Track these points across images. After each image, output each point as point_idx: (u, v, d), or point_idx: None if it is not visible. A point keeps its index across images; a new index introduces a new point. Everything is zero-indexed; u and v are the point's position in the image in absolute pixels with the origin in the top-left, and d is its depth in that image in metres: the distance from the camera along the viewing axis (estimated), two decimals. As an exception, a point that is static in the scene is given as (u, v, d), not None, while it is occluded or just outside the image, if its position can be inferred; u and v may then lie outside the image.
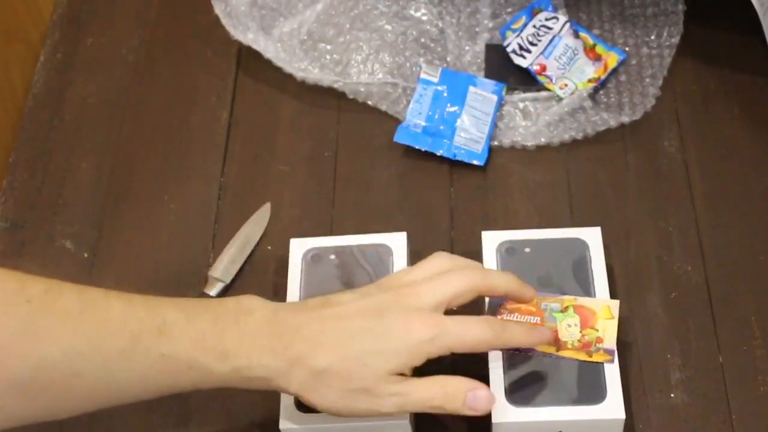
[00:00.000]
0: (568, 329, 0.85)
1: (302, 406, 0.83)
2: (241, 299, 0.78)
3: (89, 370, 0.72)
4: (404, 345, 0.77)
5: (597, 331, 0.85)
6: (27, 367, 0.71)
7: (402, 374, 0.77)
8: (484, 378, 0.87)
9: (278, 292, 0.94)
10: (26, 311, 0.72)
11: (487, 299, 0.87)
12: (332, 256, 0.91)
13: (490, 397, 0.79)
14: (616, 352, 0.84)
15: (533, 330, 0.83)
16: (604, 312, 0.86)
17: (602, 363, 0.83)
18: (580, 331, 0.85)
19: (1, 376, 0.70)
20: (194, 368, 0.74)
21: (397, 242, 0.91)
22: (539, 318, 0.86)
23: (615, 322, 0.85)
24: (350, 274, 0.90)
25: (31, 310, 0.72)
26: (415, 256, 0.94)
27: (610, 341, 0.84)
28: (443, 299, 0.79)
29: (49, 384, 0.72)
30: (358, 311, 0.78)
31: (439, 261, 0.83)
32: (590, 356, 0.84)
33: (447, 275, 0.81)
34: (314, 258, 0.91)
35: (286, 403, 0.83)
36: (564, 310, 0.86)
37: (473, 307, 0.92)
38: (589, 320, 0.85)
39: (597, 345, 0.84)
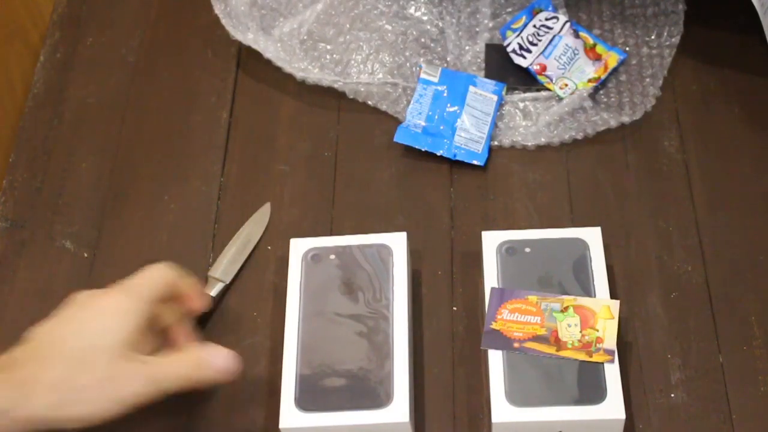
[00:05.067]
0: (569, 329, 0.85)
1: (303, 406, 0.83)
2: None
3: None
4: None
5: (597, 331, 0.85)
6: None
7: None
8: (484, 378, 0.87)
9: (278, 293, 0.94)
10: None
11: (487, 299, 0.88)
12: (332, 256, 0.91)
13: (227, 353, 0.82)
14: (616, 352, 0.84)
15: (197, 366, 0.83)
16: (604, 312, 0.86)
17: (602, 363, 0.83)
18: (580, 331, 0.85)
19: None
20: None
21: (397, 242, 0.91)
22: (539, 318, 0.86)
23: (615, 322, 0.85)
24: (350, 274, 0.90)
25: None
26: (416, 256, 0.95)
27: (610, 341, 0.84)
28: None
29: None
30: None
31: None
32: (590, 356, 0.84)
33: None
34: (314, 258, 0.91)
35: (287, 402, 0.84)
36: (564, 310, 0.86)
37: (474, 307, 0.92)
38: (589, 320, 0.85)
39: (597, 345, 0.84)
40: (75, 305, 0.81)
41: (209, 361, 0.82)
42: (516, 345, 0.85)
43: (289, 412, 0.83)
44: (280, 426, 0.83)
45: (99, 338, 0.79)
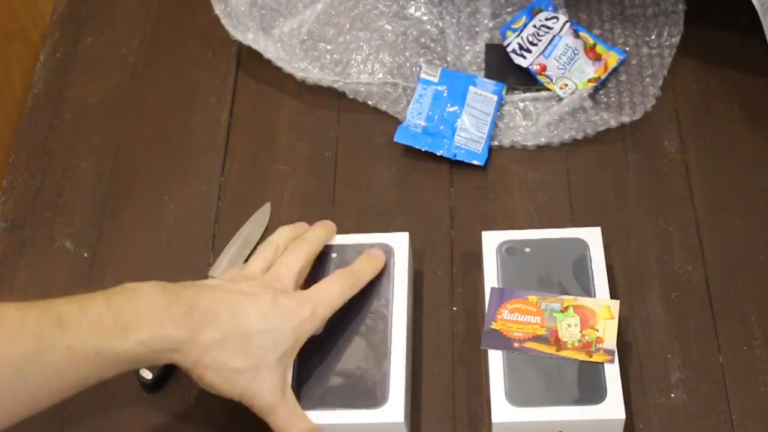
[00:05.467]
0: (569, 329, 0.85)
1: (300, 404, 0.83)
2: (124, 284, 0.79)
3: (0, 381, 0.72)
4: (290, 327, 0.81)
5: (597, 331, 0.85)
6: None
7: (289, 362, 0.82)
8: (484, 378, 0.87)
9: (278, 292, 0.94)
10: None
11: (487, 299, 0.88)
12: (334, 255, 0.91)
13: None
14: (616, 352, 0.84)
15: (373, 259, 0.89)
16: (604, 312, 0.86)
17: (602, 363, 0.83)
18: (581, 331, 0.85)
19: None
20: (101, 353, 0.74)
21: (399, 242, 0.91)
22: (539, 318, 0.86)
23: (615, 322, 0.85)
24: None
25: None
26: (416, 256, 0.95)
27: (610, 341, 0.84)
28: (299, 271, 0.86)
29: None
30: (245, 291, 0.82)
31: (281, 236, 0.89)
32: (590, 356, 0.84)
33: (293, 248, 0.88)
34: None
35: None
36: (564, 310, 0.86)
37: (474, 307, 0.92)
38: (589, 320, 0.85)
39: (597, 345, 0.84)
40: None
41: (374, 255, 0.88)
42: (516, 345, 0.85)
43: None
44: None
45: (274, 335, 0.81)
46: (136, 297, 0.77)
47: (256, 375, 0.80)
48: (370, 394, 0.84)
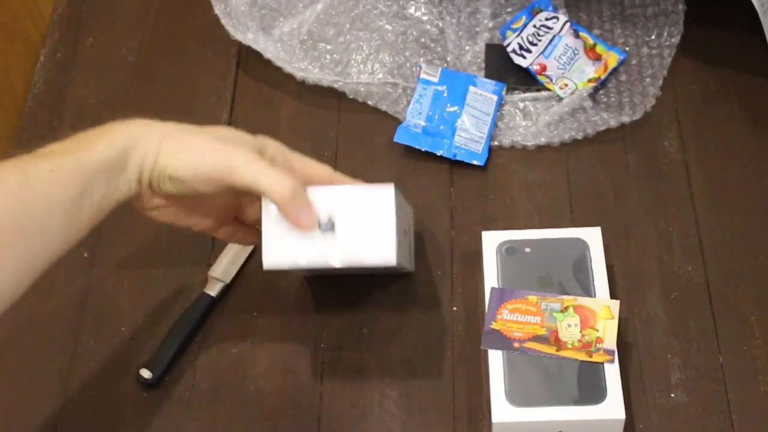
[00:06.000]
0: (569, 329, 0.85)
1: None
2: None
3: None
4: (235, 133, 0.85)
5: (597, 331, 0.85)
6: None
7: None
8: (484, 378, 0.87)
9: (279, 292, 0.94)
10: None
11: (487, 299, 0.87)
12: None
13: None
14: (616, 352, 0.84)
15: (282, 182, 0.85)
16: (604, 312, 0.86)
17: (602, 363, 0.83)
18: (581, 331, 0.85)
19: None
20: (81, 164, 0.78)
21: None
22: (539, 318, 0.86)
23: (615, 322, 0.85)
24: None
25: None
26: (417, 256, 0.95)
27: (610, 341, 0.84)
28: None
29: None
30: None
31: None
32: (590, 356, 0.84)
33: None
34: None
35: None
36: (564, 310, 0.86)
37: (474, 307, 0.92)
38: (589, 320, 0.85)
39: (597, 345, 0.84)
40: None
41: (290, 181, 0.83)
42: (516, 345, 0.85)
43: None
44: None
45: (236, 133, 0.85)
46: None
47: (225, 145, 0.82)
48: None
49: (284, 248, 0.82)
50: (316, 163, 0.89)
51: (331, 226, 0.82)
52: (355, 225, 0.83)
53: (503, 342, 0.85)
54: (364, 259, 0.82)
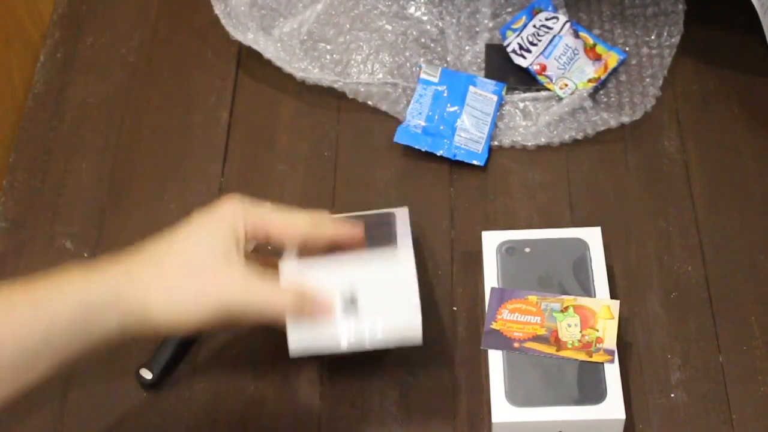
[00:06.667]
0: (569, 329, 0.85)
1: None
2: None
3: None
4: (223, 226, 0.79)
5: (597, 331, 0.85)
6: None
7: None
8: (484, 378, 0.87)
9: (278, 292, 0.94)
10: None
11: (487, 299, 0.88)
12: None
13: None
14: (616, 352, 0.84)
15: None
16: (604, 312, 0.86)
17: (602, 363, 0.83)
18: (581, 331, 0.85)
19: None
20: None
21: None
22: (539, 318, 0.86)
23: (615, 322, 0.85)
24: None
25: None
26: (417, 257, 0.94)
27: (610, 341, 0.84)
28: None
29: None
30: None
31: None
32: (590, 356, 0.84)
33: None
34: None
35: None
36: (564, 310, 0.86)
37: (474, 307, 0.92)
38: (589, 320, 0.85)
39: (597, 345, 0.84)
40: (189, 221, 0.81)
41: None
42: (516, 345, 0.85)
43: None
44: None
45: (210, 241, 0.78)
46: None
47: (213, 281, 0.77)
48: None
49: (309, 333, 0.81)
50: (294, 214, 0.84)
51: (352, 304, 0.81)
52: (376, 299, 0.81)
53: (503, 342, 0.85)
54: (389, 340, 0.82)
